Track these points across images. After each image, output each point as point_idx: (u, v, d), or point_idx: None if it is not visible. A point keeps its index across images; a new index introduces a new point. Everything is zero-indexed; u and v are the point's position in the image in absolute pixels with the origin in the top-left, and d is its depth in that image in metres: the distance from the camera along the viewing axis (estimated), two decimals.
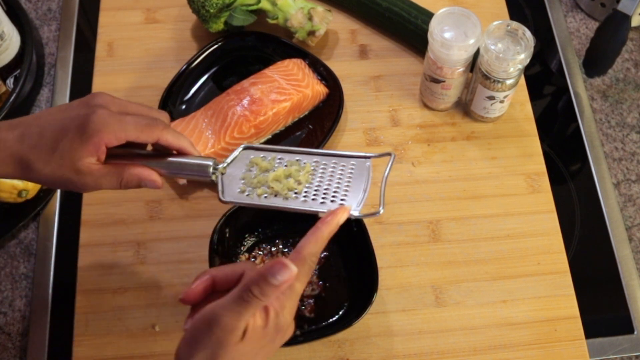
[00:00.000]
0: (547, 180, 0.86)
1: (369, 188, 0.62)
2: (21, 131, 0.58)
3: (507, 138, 0.89)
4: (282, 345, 0.58)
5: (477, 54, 0.82)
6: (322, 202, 0.62)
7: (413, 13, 0.91)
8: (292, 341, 0.68)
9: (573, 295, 0.80)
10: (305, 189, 0.63)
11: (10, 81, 0.91)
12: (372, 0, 0.93)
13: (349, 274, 0.79)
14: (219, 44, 0.93)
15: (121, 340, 0.76)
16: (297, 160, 0.65)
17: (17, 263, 0.83)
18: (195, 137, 0.83)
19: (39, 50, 0.97)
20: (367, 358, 0.76)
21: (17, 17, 0.94)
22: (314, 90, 0.87)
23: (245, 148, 0.65)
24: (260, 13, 0.92)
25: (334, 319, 0.76)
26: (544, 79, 0.98)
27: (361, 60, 0.95)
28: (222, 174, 0.64)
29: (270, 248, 0.80)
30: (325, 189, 0.63)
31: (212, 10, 0.88)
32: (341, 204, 0.61)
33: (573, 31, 1.01)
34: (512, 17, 0.99)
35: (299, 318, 0.75)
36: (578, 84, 0.96)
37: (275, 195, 0.63)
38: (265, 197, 0.63)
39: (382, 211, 0.61)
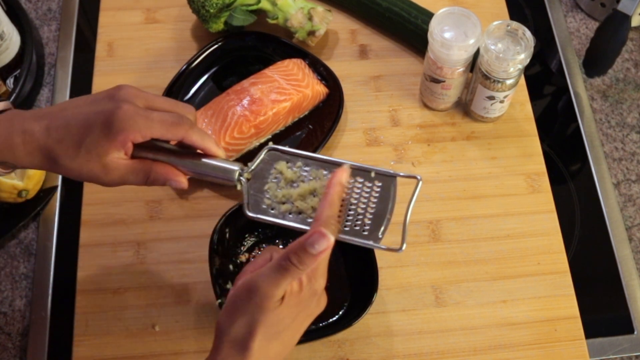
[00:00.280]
0: (547, 180, 0.86)
1: (392, 216, 0.60)
2: (47, 123, 0.58)
3: (507, 138, 0.89)
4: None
5: (477, 54, 0.82)
6: (345, 228, 0.60)
7: (413, 13, 0.91)
8: None
9: (573, 295, 0.80)
10: None
11: (10, 81, 0.91)
12: (372, 0, 0.93)
13: (349, 274, 0.79)
14: (219, 44, 0.93)
15: (121, 340, 0.76)
16: (323, 173, 0.61)
17: (17, 263, 0.83)
18: None
19: (39, 50, 0.97)
20: (367, 358, 0.76)
21: (17, 17, 0.94)
22: (314, 90, 0.87)
23: (270, 150, 0.62)
24: (260, 13, 0.92)
25: (334, 319, 0.76)
26: (544, 79, 0.98)
27: (361, 60, 0.95)
28: (248, 179, 0.62)
29: None
30: (349, 213, 0.60)
31: (212, 10, 0.88)
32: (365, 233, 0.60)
33: (573, 31, 1.01)
34: (512, 17, 0.99)
35: None
36: (578, 84, 0.96)
37: (300, 213, 0.61)
38: (290, 215, 0.61)
39: (404, 248, 0.59)
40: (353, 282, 0.78)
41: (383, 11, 0.93)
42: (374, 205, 0.60)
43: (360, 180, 0.61)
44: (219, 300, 0.73)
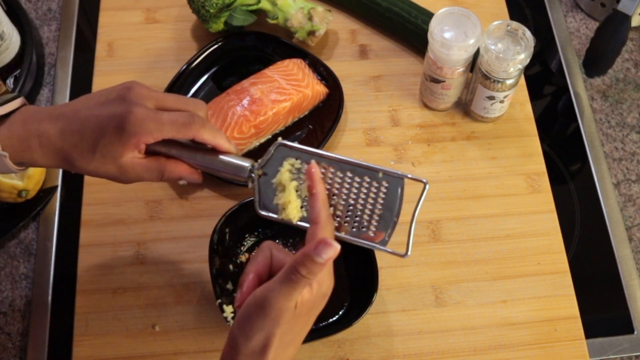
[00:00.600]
0: (547, 180, 0.86)
1: (399, 219, 0.60)
2: (62, 126, 0.59)
3: (507, 138, 0.89)
4: None
5: (477, 54, 0.82)
6: (353, 229, 0.61)
7: (413, 13, 0.91)
8: None
9: (573, 295, 0.80)
10: (339, 213, 0.61)
11: (10, 81, 0.91)
12: (372, 0, 0.93)
13: (349, 274, 0.79)
14: (219, 44, 0.93)
15: (121, 340, 0.76)
16: (331, 171, 0.61)
17: (17, 263, 0.83)
18: None
19: (39, 50, 0.97)
20: (367, 358, 0.76)
21: (17, 17, 0.94)
22: (314, 90, 0.87)
23: (279, 145, 0.62)
24: (260, 13, 0.92)
25: (334, 319, 0.76)
26: (544, 79, 0.98)
27: (361, 60, 0.95)
28: (259, 176, 0.62)
29: None
30: (357, 215, 0.61)
31: (212, 10, 0.88)
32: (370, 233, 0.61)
33: (573, 31, 1.01)
34: (512, 17, 0.99)
35: None
36: (578, 84, 0.96)
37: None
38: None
39: (409, 254, 0.60)
40: (353, 282, 0.78)
41: (383, 11, 0.93)
42: (380, 207, 0.60)
43: (368, 180, 0.61)
44: (219, 300, 0.73)
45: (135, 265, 0.80)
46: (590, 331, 0.78)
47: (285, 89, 0.85)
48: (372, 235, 0.61)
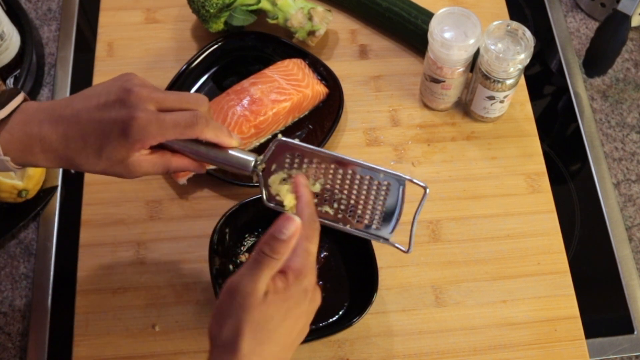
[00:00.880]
0: (547, 180, 0.86)
1: (401, 215, 0.63)
2: (64, 131, 0.59)
3: (507, 138, 0.89)
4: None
5: (477, 54, 0.82)
6: (357, 222, 0.63)
7: (413, 13, 0.91)
8: None
9: (573, 295, 0.80)
10: (342, 207, 0.64)
11: (10, 81, 0.91)
12: (372, 0, 0.93)
13: (349, 274, 0.79)
14: (219, 44, 0.93)
15: (121, 340, 0.76)
16: (330, 167, 0.63)
17: (17, 263, 0.83)
18: None
19: (39, 50, 0.97)
20: (367, 358, 0.76)
21: (17, 17, 0.94)
22: (314, 90, 0.87)
23: (278, 142, 0.63)
24: (260, 13, 0.92)
25: (334, 319, 0.76)
26: (544, 79, 0.98)
27: (361, 60, 0.95)
28: (263, 170, 0.63)
29: None
30: (361, 212, 0.63)
31: (212, 10, 0.88)
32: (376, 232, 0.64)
33: (573, 31, 1.01)
34: (512, 17, 0.99)
35: None
36: (578, 84, 0.96)
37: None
38: None
39: (411, 250, 0.64)
40: (353, 282, 0.78)
41: (383, 11, 0.93)
42: (382, 204, 0.63)
43: (369, 178, 0.63)
44: None
45: (135, 265, 0.80)
46: (590, 331, 0.78)
47: (285, 89, 0.85)
48: (375, 229, 0.64)
